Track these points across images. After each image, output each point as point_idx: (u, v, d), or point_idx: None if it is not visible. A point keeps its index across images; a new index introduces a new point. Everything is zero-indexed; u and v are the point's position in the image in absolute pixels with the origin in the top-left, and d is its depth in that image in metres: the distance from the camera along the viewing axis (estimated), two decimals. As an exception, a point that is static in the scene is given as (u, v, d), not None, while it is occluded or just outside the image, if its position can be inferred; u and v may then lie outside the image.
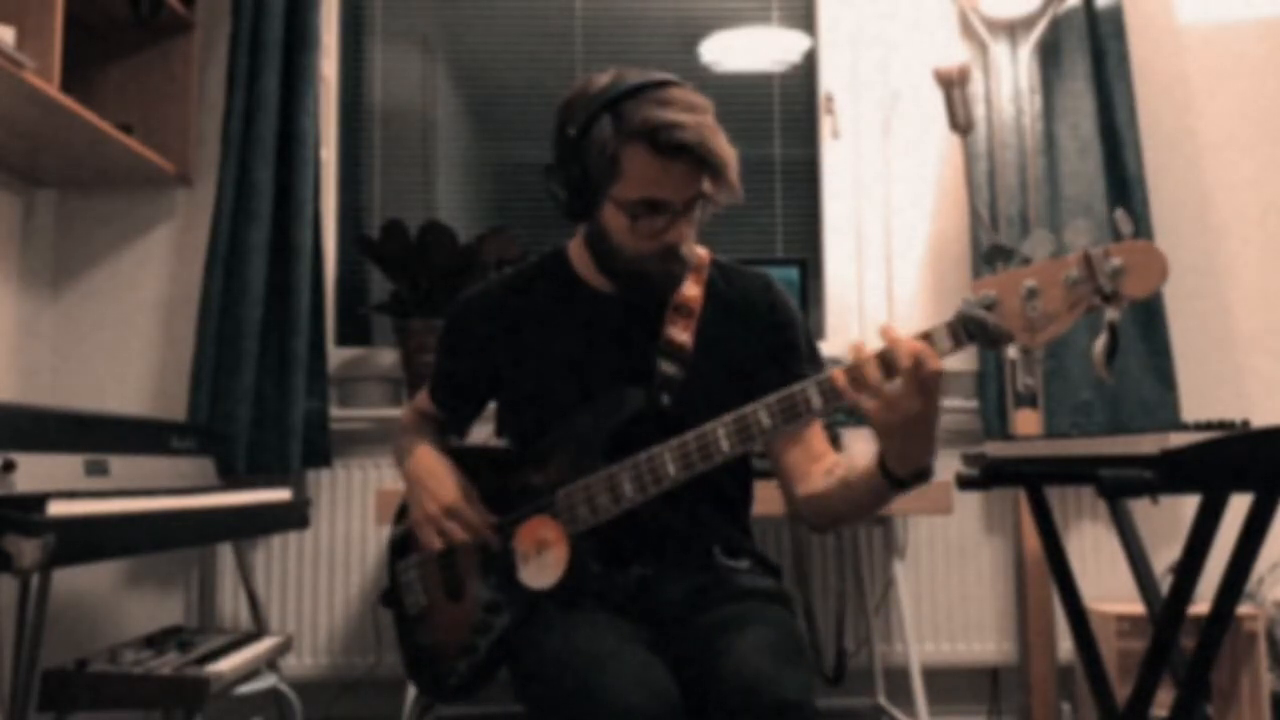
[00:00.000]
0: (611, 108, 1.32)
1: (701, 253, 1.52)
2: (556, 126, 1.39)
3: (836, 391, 1.24)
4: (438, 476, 1.47)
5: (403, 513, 1.58)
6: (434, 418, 1.64)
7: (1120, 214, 1.19)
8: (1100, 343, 1.21)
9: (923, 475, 1.27)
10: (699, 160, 1.31)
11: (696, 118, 1.31)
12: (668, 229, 1.36)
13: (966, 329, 1.21)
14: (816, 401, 1.26)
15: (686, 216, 1.37)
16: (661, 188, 1.33)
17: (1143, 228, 2.67)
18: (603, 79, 1.36)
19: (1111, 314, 1.18)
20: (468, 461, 1.52)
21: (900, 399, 1.18)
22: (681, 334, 1.45)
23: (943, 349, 1.21)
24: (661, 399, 1.41)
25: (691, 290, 1.48)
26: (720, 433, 1.30)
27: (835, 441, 2.33)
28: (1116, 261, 1.16)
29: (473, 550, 1.46)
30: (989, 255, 1.27)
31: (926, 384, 1.17)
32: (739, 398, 1.31)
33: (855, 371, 1.22)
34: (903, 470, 1.26)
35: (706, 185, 1.35)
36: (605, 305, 1.48)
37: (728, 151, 1.33)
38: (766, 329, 1.49)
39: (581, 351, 1.47)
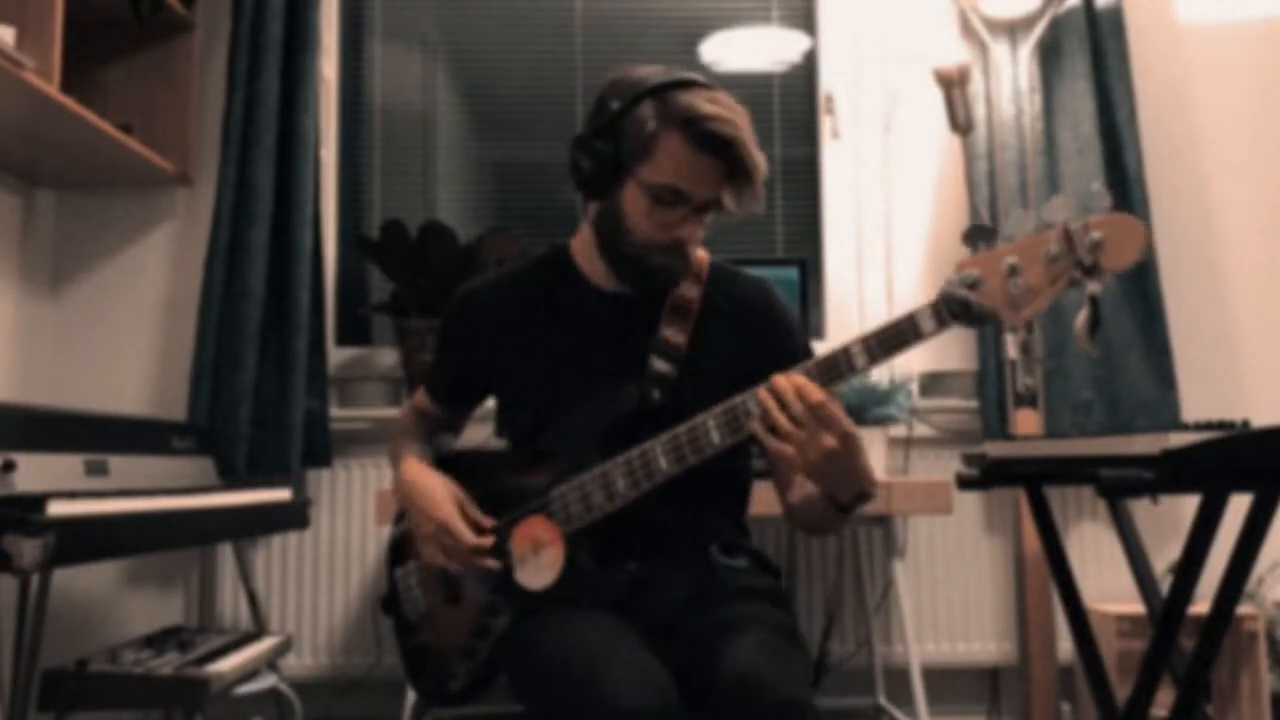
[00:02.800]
0: (658, 93, 1.35)
1: (701, 255, 1.52)
2: (598, 101, 1.41)
3: (823, 379, 1.26)
4: (427, 494, 1.46)
5: (401, 516, 1.58)
6: (430, 415, 1.65)
7: (1098, 187, 1.20)
8: (1082, 316, 1.22)
9: (860, 500, 1.33)
10: (731, 159, 1.34)
11: (737, 118, 1.35)
12: (681, 223, 1.38)
13: (949, 308, 1.22)
14: None
15: (700, 217, 1.39)
16: (689, 179, 1.35)
17: (1143, 227, 2.67)
18: (653, 69, 1.39)
19: (1093, 287, 1.19)
20: (462, 466, 1.52)
21: (810, 439, 1.22)
22: (678, 334, 1.45)
23: (927, 329, 1.23)
24: (654, 396, 1.41)
25: (690, 291, 1.48)
26: (710, 424, 1.30)
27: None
28: (1096, 235, 1.17)
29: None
30: (970, 235, 1.28)
31: (819, 416, 1.21)
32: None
33: (766, 416, 1.24)
34: (841, 497, 1.31)
35: (726, 197, 1.37)
36: (604, 303, 1.48)
37: (759, 158, 1.36)
38: (763, 333, 1.50)
39: (577, 348, 1.47)
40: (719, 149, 1.33)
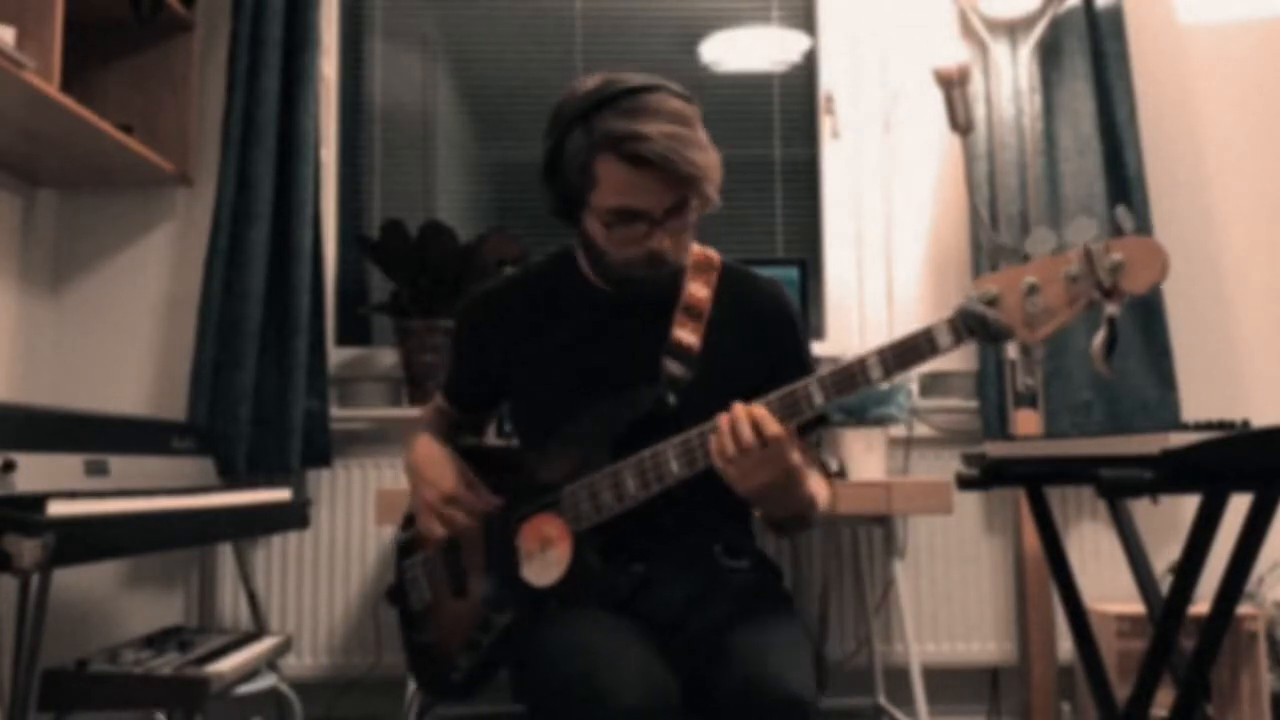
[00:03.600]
0: (584, 118, 1.33)
1: (712, 255, 1.52)
2: (544, 134, 1.40)
3: (837, 389, 1.27)
4: (436, 464, 1.47)
5: (410, 519, 1.58)
6: (450, 415, 1.65)
7: (1121, 210, 1.20)
8: (1099, 338, 1.22)
9: (798, 523, 1.41)
10: (672, 168, 1.30)
11: (666, 127, 1.29)
12: (649, 235, 1.36)
13: (967, 325, 1.23)
14: (818, 398, 1.28)
15: (671, 222, 1.36)
16: (635, 197, 1.33)
17: (1143, 227, 2.67)
18: (588, 84, 1.36)
19: (1111, 309, 1.20)
20: (474, 461, 1.52)
21: (753, 468, 1.25)
22: (690, 336, 1.45)
23: (944, 344, 1.24)
24: (668, 399, 1.41)
25: (701, 292, 1.48)
26: None
27: (817, 444, 2.33)
28: (1116, 257, 1.17)
29: (477, 547, 1.46)
30: (992, 253, 1.28)
31: (767, 450, 1.25)
32: (743, 400, 1.31)
33: (718, 440, 1.27)
34: (777, 518, 1.40)
35: (687, 195, 1.35)
36: (613, 305, 1.48)
37: (699, 162, 1.31)
38: (774, 335, 1.50)
39: (589, 351, 1.47)
40: (656, 162, 1.29)
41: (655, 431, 1.36)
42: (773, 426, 1.24)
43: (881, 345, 1.26)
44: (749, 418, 1.25)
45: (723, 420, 1.27)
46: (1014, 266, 1.23)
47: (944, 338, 1.23)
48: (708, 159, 1.33)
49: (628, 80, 1.34)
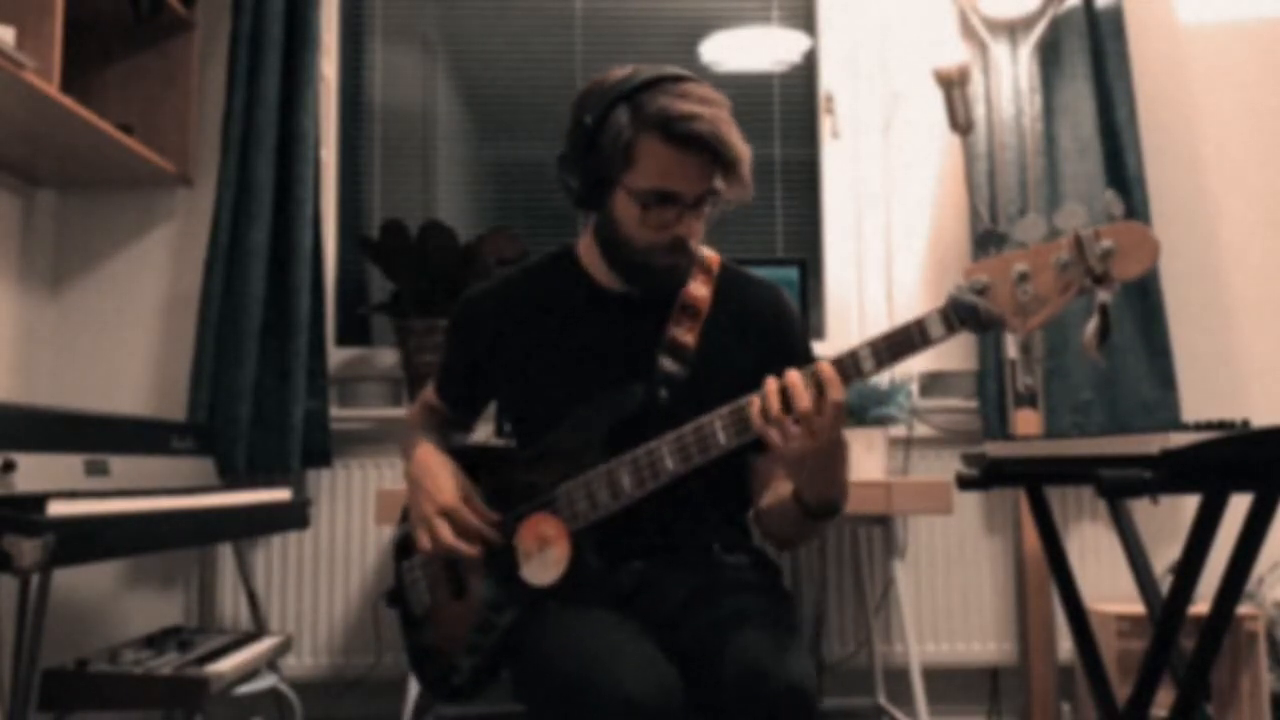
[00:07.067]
0: (629, 98, 1.34)
1: (712, 255, 1.53)
2: (573, 116, 1.40)
3: (833, 384, 1.25)
4: (434, 477, 1.47)
5: (407, 513, 1.58)
6: (440, 413, 1.65)
7: (1110, 195, 1.19)
8: (1091, 325, 1.21)
9: (829, 509, 1.33)
10: (712, 153, 1.33)
11: (712, 110, 1.33)
12: (677, 221, 1.37)
13: (958, 314, 1.22)
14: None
15: (696, 211, 1.38)
16: (674, 179, 1.34)
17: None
18: (621, 72, 1.38)
19: (1103, 296, 1.19)
20: (470, 460, 1.52)
21: (804, 434, 1.22)
22: (686, 334, 1.46)
23: (935, 335, 1.23)
24: (661, 395, 1.42)
25: (700, 291, 1.49)
26: (717, 425, 1.30)
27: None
28: (1107, 243, 1.16)
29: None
30: (982, 240, 1.27)
31: (836, 413, 1.21)
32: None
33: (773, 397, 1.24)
34: (811, 501, 1.32)
35: (718, 181, 1.37)
36: (611, 303, 1.48)
37: (741, 147, 1.35)
38: (771, 336, 1.50)
39: (586, 348, 1.47)
40: (699, 144, 1.32)
41: (650, 429, 1.36)
42: (836, 390, 1.22)
43: (874, 336, 1.26)
44: (812, 379, 1.22)
45: (771, 384, 1.24)
46: (1005, 254, 1.22)
47: (935, 328, 1.23)
48: (746, 147, 1.36)
49: (665, 69, 1.37)
